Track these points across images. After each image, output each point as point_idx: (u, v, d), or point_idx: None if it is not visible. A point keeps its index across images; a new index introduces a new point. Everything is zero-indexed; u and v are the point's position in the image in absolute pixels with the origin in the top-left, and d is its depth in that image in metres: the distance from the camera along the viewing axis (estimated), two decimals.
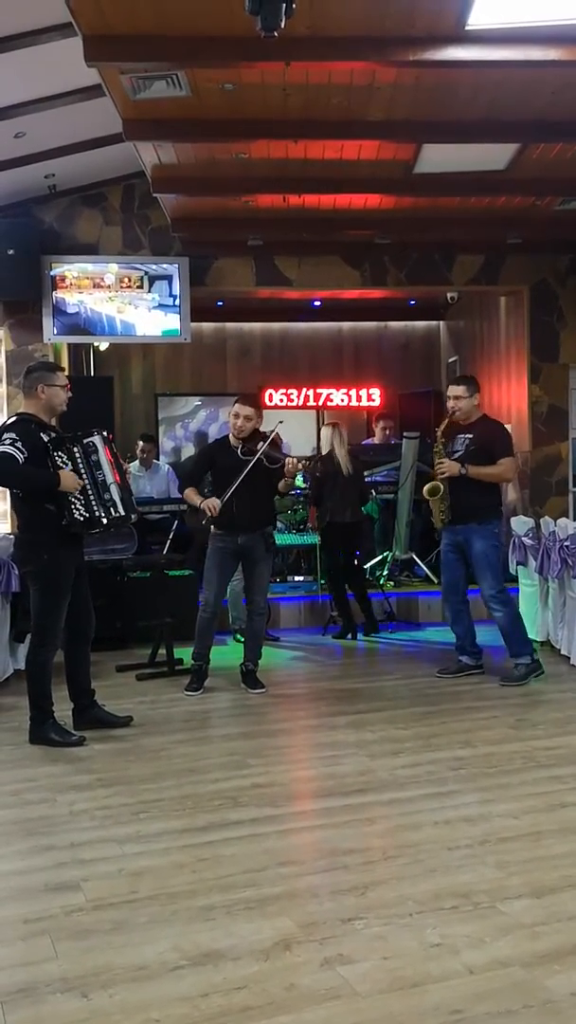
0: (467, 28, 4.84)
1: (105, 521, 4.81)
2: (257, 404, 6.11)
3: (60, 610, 4.76)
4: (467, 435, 6.05)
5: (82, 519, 4.73)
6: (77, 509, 4.72)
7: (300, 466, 5.85)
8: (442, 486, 5.99)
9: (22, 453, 4.58)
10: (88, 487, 4.77)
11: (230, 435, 5.89)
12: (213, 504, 5.65)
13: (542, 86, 5.61)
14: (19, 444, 4.59)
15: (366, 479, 8.61)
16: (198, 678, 5.86)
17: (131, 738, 4.88)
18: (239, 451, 5.74)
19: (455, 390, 6.09)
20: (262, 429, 5.99)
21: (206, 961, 2.59)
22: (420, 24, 4.84)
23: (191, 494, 5.85)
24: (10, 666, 6.16)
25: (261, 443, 5.72)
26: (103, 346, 10.04)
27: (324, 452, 7.66)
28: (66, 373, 5.08)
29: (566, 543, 6.26)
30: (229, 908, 2.91)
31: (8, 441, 4.60)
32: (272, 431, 5.95)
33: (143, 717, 5.24)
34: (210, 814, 3.75)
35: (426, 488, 6.12)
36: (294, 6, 3.85)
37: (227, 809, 3.80)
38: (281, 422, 6.20)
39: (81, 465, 4.77)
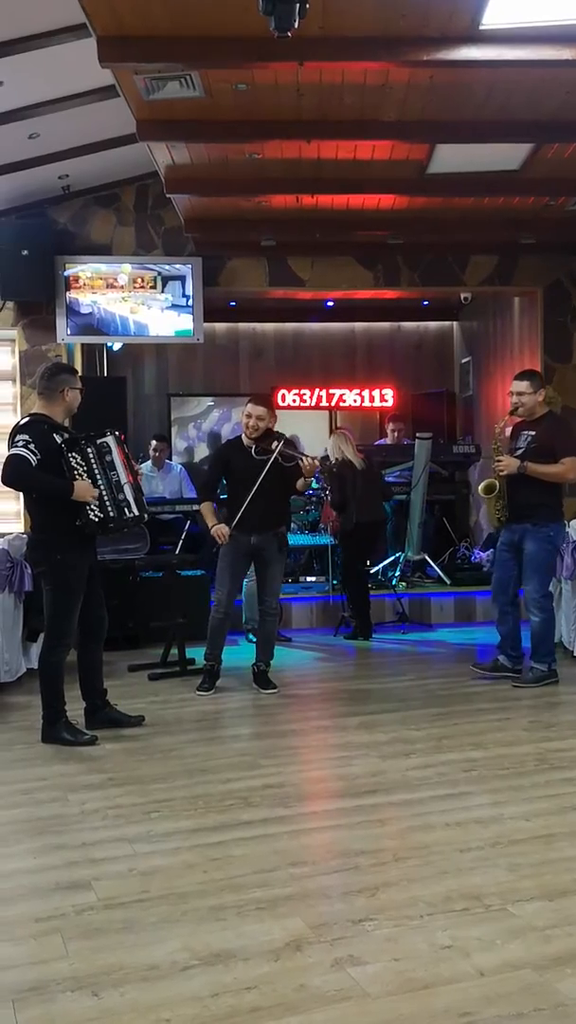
0: (481, 28, 4.82)
1: (120, 522, 4.82)
2: (269, 404, 6.10)
3: (73, 611, 4.77)
4: (531, 432, 5.83)
5: (97, 520, 4.74)
6: (92, 510, 4.73)
7: (317, 464, 5.83)
8: (498, 484, 5.80)
9: (35, 455, 4.59)
10: (103, 489, 4.77)
11: (243, 436, 5.88)
12: (223, 532, 5.66)
13: (556, 86, 5.59)
14: (32, 446, 4.60)
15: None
16: (210, 678, 5.86)
17: (143, 738, 4.88)
18: (253, 451, 5.73)
19: (518, 385, 5.85)
20: (275, 429, 6.00)
21: (216, 961, 2.59)
22: (434, 24, 4.83)
23: (207, 511, 5.83)
24: (23, 665, 6.19)
25: (276, 443, 5.71)
26: (116, 346, 10.06)
27: (335, 459, 7.68)
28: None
29: None
30: (240, 908, 2.91)
31: (21, 443, 4.61)
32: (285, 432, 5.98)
33: (155, 717, 5.24)
34: (221, 814, 3.75)
35: (482, 485, 5.92)
36: (307, 6, 3.85)
37: (238, 809, 3.80)
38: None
39: (95, 466, 4.78)
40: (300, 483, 5.77)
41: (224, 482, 6.00)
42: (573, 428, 6.12)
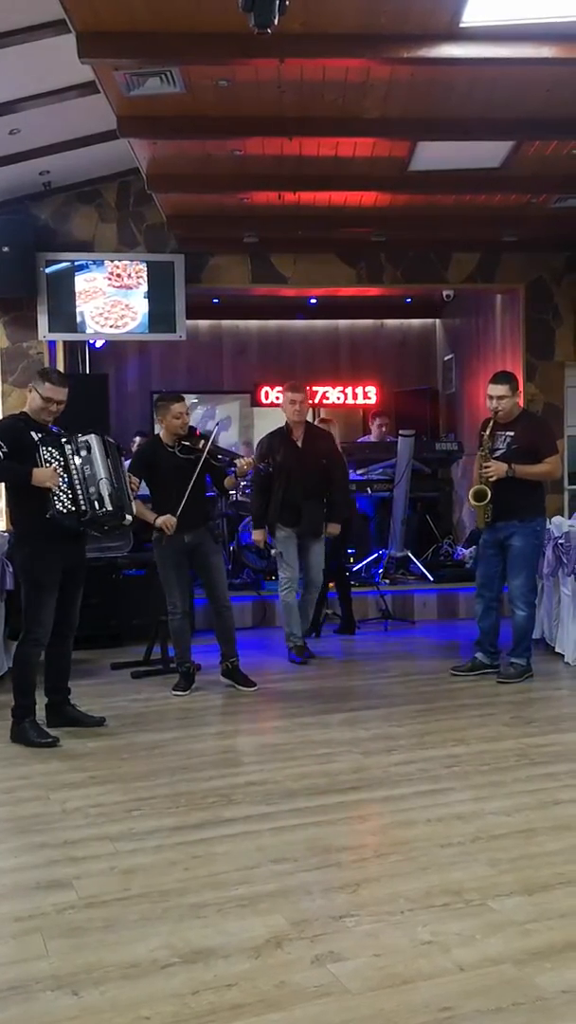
0: (461, 25, 4.84)
1: (93, 516, 4.80)
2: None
3: (43, 604, 4.74)
4: (508, 433, 5.84)
5: (65, 511, 4.74)
6: (60, 501, 4.74)
7: (251, 466, 6.03)
8: (489, 491, 5.77)
9: (1, 449, 4.66)
10: (76, 481, 4.78)
11: (162, 435, 5.89)
12: (170, 523, 5.66)
13: (536, 83, 5.60)
14: None
15: (361, 476, 8.62)
16: (185, 680, 5.83)
17: (125, 735, 4.87)
18: (177, 451, 5.75)
19: (497, 390, 5.81)
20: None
21: (197, 959, 2.59)
22: (414, 21, 4.84)
23: (142, 508, 5.73)
24: (4, 664, 6.16)
25: (204, 442, 5.74)
26: (99, 343, 10.02)
27: None
28: (62, 384, 4.88)
29: (560, 541, 6.27)
30: (221, 906, 2.91)
31: None
32: (214, 429, 6.24)
33: (137, 715, 5.24)
34: (203, 811, 3.75)
35: (473, 492, 5.87)
36: (287, 3, 3.84)
37: (220, 807, 3.80)
38: (218, 423, 6.64)
39: (72, 460, 4.80)
40: (227, 481, 5.98)
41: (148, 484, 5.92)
42: (550, 426, 6.30)
